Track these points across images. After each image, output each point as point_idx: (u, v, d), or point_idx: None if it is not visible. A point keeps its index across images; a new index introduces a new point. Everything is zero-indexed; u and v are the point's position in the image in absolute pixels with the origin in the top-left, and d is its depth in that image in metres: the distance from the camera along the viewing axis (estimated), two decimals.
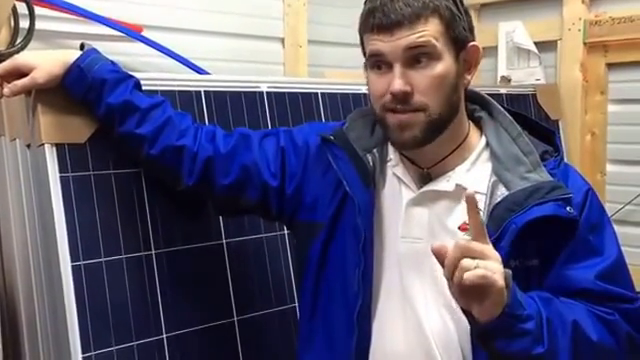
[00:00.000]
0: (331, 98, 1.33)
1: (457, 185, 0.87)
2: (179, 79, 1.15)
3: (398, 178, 0.91)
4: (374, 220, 0.89)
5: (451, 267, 0.71)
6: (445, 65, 0.82)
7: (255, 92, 1.22)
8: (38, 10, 1.29)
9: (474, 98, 0.93)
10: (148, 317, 1.02)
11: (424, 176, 0.89)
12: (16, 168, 1.06)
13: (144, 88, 1.01)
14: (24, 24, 1.27)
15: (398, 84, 0.81)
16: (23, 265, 1.06)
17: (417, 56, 0.81)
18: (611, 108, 1.81)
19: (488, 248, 0.73)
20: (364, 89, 1.38)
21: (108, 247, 1.00)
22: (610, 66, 1.79)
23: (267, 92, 1.24)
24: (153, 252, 1.04)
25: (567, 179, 0.87)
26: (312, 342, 0.95)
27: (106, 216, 1.00)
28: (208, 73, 1.50)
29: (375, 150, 0.92)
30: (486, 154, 0.89)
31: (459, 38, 0.83)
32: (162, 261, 1.05)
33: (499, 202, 0.83)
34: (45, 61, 0.95)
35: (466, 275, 0.70)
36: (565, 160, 0.91)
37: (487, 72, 1.93)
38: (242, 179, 0.97)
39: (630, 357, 0.83)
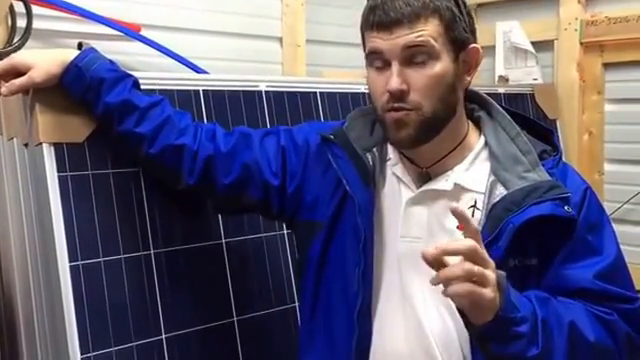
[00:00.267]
0: (330, 97, 1.33)
1: (455, 184, 0.87)
2: (177, 78, 1.15)
3: (397, 177, 0.91)
4: (374, 219, 0.89)
5: (450, 273, 0.71)
6: (443, 65, 0.82)
7: (254, 91, 1.22)
8: (36, 9, 1.28)
9: (473, 98, 0.93)
10: (147, 317, 1.01)
11: (423, 175, 0.89)
12: (14, 167, 1.05)
13: (143, 87, 1.00)
14: (21, 23, 1.26)
15: (395, 82, 0.81)
16: (21, 265, 1.06)
17: (415, 55, 0.81)
18: (608, 108, 1.82)
19: (489, 259, 0.73)
20: (363, 88, 1.40)
21: (107, 247, 0.99)
22: (606, 66, 1.80)
23: (266, 91, 1.24)
24: (152, 252, 1.04)
25: (565, 178, 0.87)
26: (313, 342, 0.95)
27: (105, 216, 1.00)
28: (206, 72, 1.50)
29: (375, 149, 0.92)
30: (484, 154, 0.89)
31: (459, 39, 0.84)
32: (161, 261, 1.05)
33: (497, 201, 0.83)
34: (43, 60, 0.94)
35: (453, 288, 0.70)
36: (563, 159, 0.92)
37: (485, 72, 1.94)
38: (243, 178, 0.97)
39: (629, 358, 0.83)
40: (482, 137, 0.90)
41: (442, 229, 0.87)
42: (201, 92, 1.15)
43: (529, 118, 0.95)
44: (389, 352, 0.88)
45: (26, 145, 1.01)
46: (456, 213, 0.73)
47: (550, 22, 1.87)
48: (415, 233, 0.88)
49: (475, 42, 0.87)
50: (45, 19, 1.31)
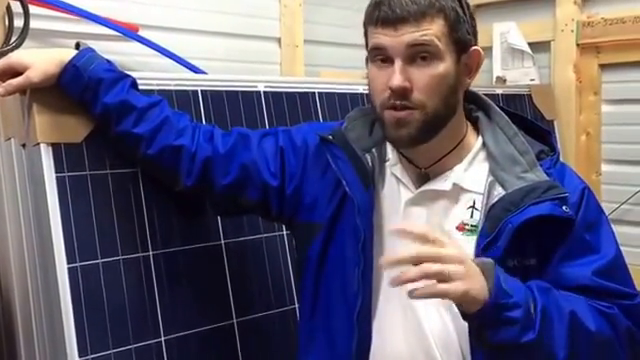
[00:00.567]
0: (328, 98, 1.33)
1: (454, 184, 0.87)
2: (176, 78, 1.14)
3: (397, 178, 0.91)
4: (373, 220, 0.89)
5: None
6: (445, 66, 0.82)
7: (252, 92, 1.22)
8: (33, 9, 1.28)
9: (471, 98, 0.93)
10: (146, 319, 1.01)
11: (422, 176, 0.89)
12: (11, 168, 1.04)
13: (141, 87, 1.00)
14: (18, 23, 1.26)
15: (397, 79, 0.81)
16: (19, 267, 1.05)
17: (419, 54, 0.81)
18: (605, 108, 1.83)
19: (445, 250, 0.73)
20: (361, 89, 1.40)
21: (105, 248, 0.99)
22: (603, 67, 1.81)
23: (264, 92, 1.23)
24: (150, 253, 1.04)
25: (563, 178, 0.87)
26: (312, 343, 0.95)
27: (103, 217, 0.99)
28: (205, 72, 1.49)
29: (374, 150, 0.92)
30: (483, 154, 0.89)
31: (462, 40, 0.84)
32: (160, 262, 1.04)
33: (496, 202, 0.83)
34: (40, 60, 0.94)
35: (417, 293, 0.72)
36: (561, 160, 0.92)
37: (482, 72, 1.91)
38: (242, 179, 0.96)
39: (630, 352, 0.83)
40: (480, 137, 0.90)
41: (441, 230, 0.87)
42: (199, 92, 1.15)
43: (526, 118, 0.95)
44: (389, 353, 0.88)
45: (24, 145, 1.00)
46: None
47: (547, 23, 1.88)
48: None
49: (477, 45, 0.87)
50: (42, 19, 1.31)
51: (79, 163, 0.98)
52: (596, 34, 1.77)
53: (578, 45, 1.81)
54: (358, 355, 0.88)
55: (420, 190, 0.89)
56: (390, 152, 0.93)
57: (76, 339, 0.93)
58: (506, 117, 0.90)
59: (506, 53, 1.93)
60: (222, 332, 1.09)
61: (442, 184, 0.87)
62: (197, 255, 1.09)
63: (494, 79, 1.94)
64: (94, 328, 0.95)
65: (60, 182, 0.96)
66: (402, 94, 0.81)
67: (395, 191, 0.91)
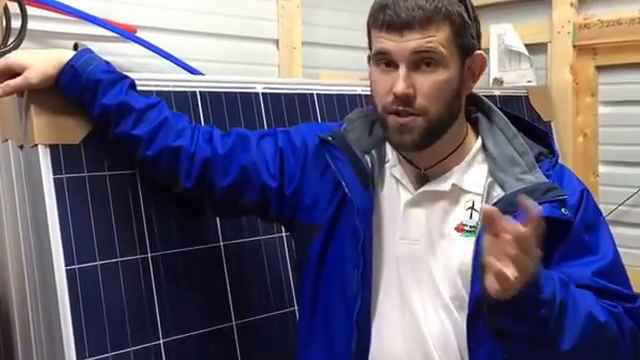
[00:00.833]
0: (327, 99, 1.33)
1: (453, 185, 0.87)
2: (175, 80, 1.14)
3: (396, 179, 0.91)
4: (373, 221, 0.89)
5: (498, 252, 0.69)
6: (450, 72, 0.82)
7: (251, 93, 1.22)
8: (30, 10, 1.27)
9: (471, 99, 0.93)
10: (144, 322, 1.00)
11: (421, 177, 0.90)
12: (8, 169, 1.04)
13: (139, 89, 1.00)
14: (16, 24, 1.25)
15: (401, 87, 0.81)
16: (16, 269, 1.04)
17: (423, 60, 0.81)
18: (601, 110, 1.83)
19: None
20: (359, 90, 1.40)
21: (103, 250, 0.98)
22: (599, 68, 1.81)
23: (263, 93, 1.23)
24: (149, 255, 1.03)
25: (562, 180, 0.88)
26: (311, 343, 0.95)
27: (101, 218, 0.99)
28: (202, 73, 1.49)
29: (373, 151, 0.92)
30: (482, 155, 0.89)
31: (466, 45, 0.84)
32: (158, 264, 1.04)
33: (495, 203, 0.83)
34: (38, 61, 0.93)
35: (492, 284, 0.69)
36: (560, 161, 0.92)
37: None
38: (241, 180, 0.96)
39: (632, 352, 0.82)
40: (479, 139, 0.90)
41: (440, 231, 0.87)
42: (198, 93, 1.14)
43: (525, 120, 0.95)
44: (387, 354, 0.88)
45: (21, 147, 1.00)
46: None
47: (543, 25, 1.88)
48: (413, 235, 0.88)
49: (481, 48, 0.87)
50: (40, 20, 1.31)
51: (77, 164, 0.98)
52: (593, 36, 1.78)
53: (575, 47, 1.82)
54: (357, 356, 0.88)
55: (419, 191, 0.89)
56: (390, 153, 0.93)
57: (74, 342, 0.93)
58: (506, 118, 0.90)
59: (503, 55, 1.93)
60: (221, 334, 1.09)
61: (441, 185, 0.88)
62: (196, 257, 1.08)
63: (491, 81, 1.94)
64: (92, 331, 0.95)
65: (58, 184, 0.95)
66: (406, 100, 0.81)
67: (394, 192, 0.91)
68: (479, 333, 0.82)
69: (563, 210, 0.82)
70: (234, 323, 1.11)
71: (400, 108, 0.82)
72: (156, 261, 1.04)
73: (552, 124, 1.86)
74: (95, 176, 0.99)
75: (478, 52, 0.86)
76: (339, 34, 1.83)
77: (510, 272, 0.68)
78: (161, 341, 1.02)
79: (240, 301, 1.12)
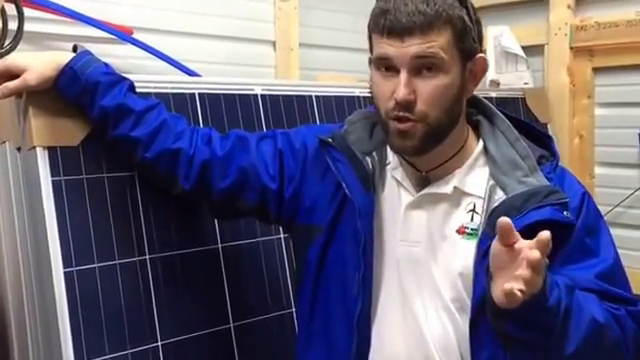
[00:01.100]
0: (325, 101, 1.33)
1: (455, 188, 0.87)
2: (173, 81, 1.14)
3: (397, 181, 0.91)
4: (374, 224, 0.89)
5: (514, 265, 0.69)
6: (451, 76, 0.82)
7: (249, 95, 1.22)
8: (27, 12, 1.27)
9: (472, 102, 0.93)
10: (142, 324, 1.00)
11: (423, 179, 0.89)
12: (6, 172, 1.03)
13: (138, 90, 0.99)
14: (12, 26, 1.25)
15: (402, 92, 0.80)
16: (13, 272, 1.03)
17: (424, 65, 0.81)
18: (598, 111, 1.84)
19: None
20: (357, 92, 1.40)
21: (101, 252, 0.98)
22: (596, 70, 1.82)
23: (261, 95, 1.23)
24: (147, 257, 1.03)
25: (563, 183, 0.88)
26: (311, 346, 0.94)
27: (99, 220, 0.98)
28: (198, 75, 1.49)
29: (374, 153, 0.92)
30: (483, 158, 0.89)
31: (468, 49, 0.84)
32: (157, 266, 1.03)
33: (497, 206, 0.84)
34: (37, 63, 0.93)
35: (509, 291, 0.69)
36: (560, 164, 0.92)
37: None
38: (240, 182, 0.96)
39: (635, 354, 0.82)
40: (481, 141, 0.90)
41: (441, 233, 0.87)
42: (197, 95, 1.14)
43: (526, 123, 0.95)
44: (388, 356, 0.88)
45: (19, 149, 0.99)
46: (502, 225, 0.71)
47: (540, 27, 1.89)
48: (414, 237, 0.88)
49: (482, 51, 0.87)
50: (37, 22, 1.30)
51: (75, 167, 0.97)
52: (589, 38, 1.79)
53: (572, 49, 1.82)
54: (357, 358, 0.88)
55: (421, 193, 0.89)
56: (390, 155, 0.93)
57: (72, 344, 0.92)
58: (507, 121, 0.90)
59: (500, 57, 1.94)
60: (219, 336, 1.09)
61: (443, 187, 0.88)
62: (194, 259, 1.08)
63: (488, 83, 1.95)
64: (90, 333, 0.94)
65: (56, 186, 0.95)
66: (407, 106, 0.81)
67: (395, 194, 0.90)
68: (482, 335, 0.82)
69: (565, 213, 0.82)
70: (232, 325, 1.10)
71: (400, 114, 0.82)
72: (154, 263, 1.03)
73: (548, 126, 1.86)
74: (93, 178, 0.99)
75: (479, 55, 0.86)
76: (336, 36, 1.83)
77: (519, 288, 0.69)
78: (159, 343, 1.01)
79: (238, 303, 1.12)
